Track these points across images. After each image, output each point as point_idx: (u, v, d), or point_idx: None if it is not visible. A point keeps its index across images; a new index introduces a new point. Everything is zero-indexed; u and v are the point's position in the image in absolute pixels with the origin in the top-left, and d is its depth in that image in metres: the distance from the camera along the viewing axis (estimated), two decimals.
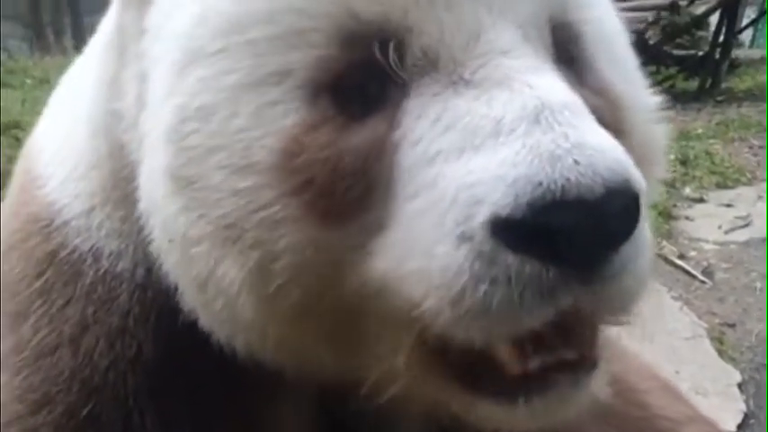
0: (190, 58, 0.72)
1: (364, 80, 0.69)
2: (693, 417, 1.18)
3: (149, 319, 0.90)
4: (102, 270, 0.93)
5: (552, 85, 0.67)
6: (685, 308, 3.65)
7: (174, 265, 0.78)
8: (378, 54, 0.68)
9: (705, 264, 4.33)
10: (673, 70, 11.62)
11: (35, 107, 6.57)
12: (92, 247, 0.94)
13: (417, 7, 0.68)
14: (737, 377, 2.97)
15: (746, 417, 2.69)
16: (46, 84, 9.04)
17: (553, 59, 0.74)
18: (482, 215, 0.62)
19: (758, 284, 3.95)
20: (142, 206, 0.81)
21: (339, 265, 0.70)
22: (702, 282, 4.06)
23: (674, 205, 5.36)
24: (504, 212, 0.61)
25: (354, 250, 0.69)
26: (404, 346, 0.69)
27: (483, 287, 0.63)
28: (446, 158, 0.65)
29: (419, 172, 0.66)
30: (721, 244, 4.64)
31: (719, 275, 4.17)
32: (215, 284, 0.73)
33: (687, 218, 5.16)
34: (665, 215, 5.05)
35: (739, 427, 2.63)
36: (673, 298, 3.77)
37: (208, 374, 0.90)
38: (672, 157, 6.75)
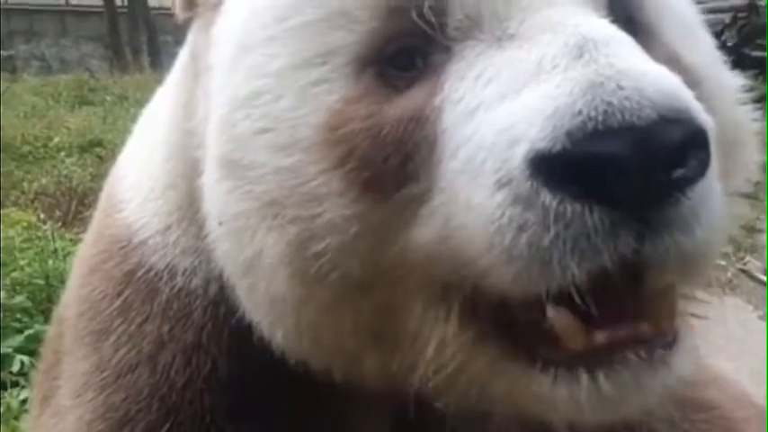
0: (241, 52, 0.74)
1: (408, 51, 0.68)
2: None
3: (222, 335, 0.92)
4: (178, 287, 0.96)
5: (598, 22, 0.63)
6: None
7: (224, 253, 0.79)
8: (420, 22, 0.66)
9: None
10: (751, 73, 11.18)
11: (115, 123, 6.88)
12: (167, 265, 0.97)
13: None
14: None
15: None
16: (125, 100, 9.47)
17: (607, 12, 0.70)
18: (520, 154, 0.58)
19: None
20: (204, 209, 0.83)
21: (381, 240, 0.68)
22: None
23: (758, 218, 5.12)
24: (540, 146, 0.56)
25: (398, 223, 0.67)
26: (450, 317, 0.66)
27: (512, 229, 0.58)
28: (487, 108, 0.62)
29: (460, 128, 0.64)
30: None
31: None
32: (258, 264, 0.73)
33: None
34: (749, 228, 4.82)
35: None
36: (759, 317, 3.61)
37: (281, 392, 0.91)
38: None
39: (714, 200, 0.61)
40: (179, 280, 0.96)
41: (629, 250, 0.57)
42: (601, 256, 0.57)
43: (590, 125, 0.55)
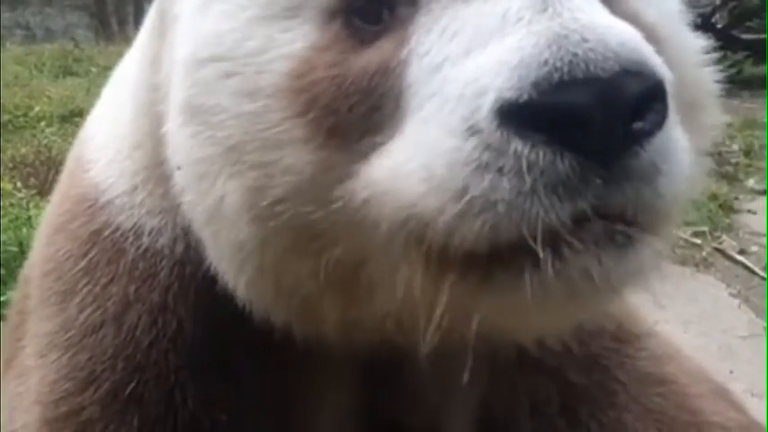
0: (200, 11, 0.74)
1: (375, 2, 0.68)
2: (747, 424, 1.15)
3: (188, 295, 0.93)
4: (144, 247, 0.96)
5: None
6: (744, 305, 3.54)
7: (188, 204, 0.80)
8: None
9: (766, 259, 4.17)
10: (741, 55, 11.16)
11: (99, 94, 6.75)
12: (134, 225, 0.97)
13: None
14: None
15: None
16: (110, 71, 9.29)
17: None
18: (488, 103, 0.59)
19: None
20: (167, 153, 0.83)
21: (339, 185, 0.68)
22: (763, 278, 3.91)
23: (737, 198, 5.18)
24: (508, 95, 0.58)
25: (357, 168, 0.67)
26: (410, 268, 0.66)
27: (488, 177, 0.59)
28: (453, 62, 0.63)
29: (426, 82, 0.64)
30: None
31: None
32: (220, 211, 0.73)
33: (750, 211, 4.98)
34: (727, 208, 4.89)
35: None
36: (731, 295, 3.66)
37: (246, 352, 0.92)
38: (735, 147, 6.52)
39: (676, 152, 0.62)
40: (145, 240, 0.97)
41: (598, 196, 0.59)
42: (579, 198, 0.58)
43: (556, 75, 0.57)
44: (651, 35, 0.71)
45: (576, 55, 0.56)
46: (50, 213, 1.13)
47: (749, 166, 5.97)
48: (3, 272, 2.61)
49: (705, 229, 4.49)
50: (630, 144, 0.58)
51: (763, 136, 6.89)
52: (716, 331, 3.21)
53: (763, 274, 3.94)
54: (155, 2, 1.00)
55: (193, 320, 0.92)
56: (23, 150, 4.50)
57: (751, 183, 5.55)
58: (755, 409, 2.66)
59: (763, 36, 10.71)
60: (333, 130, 0.67)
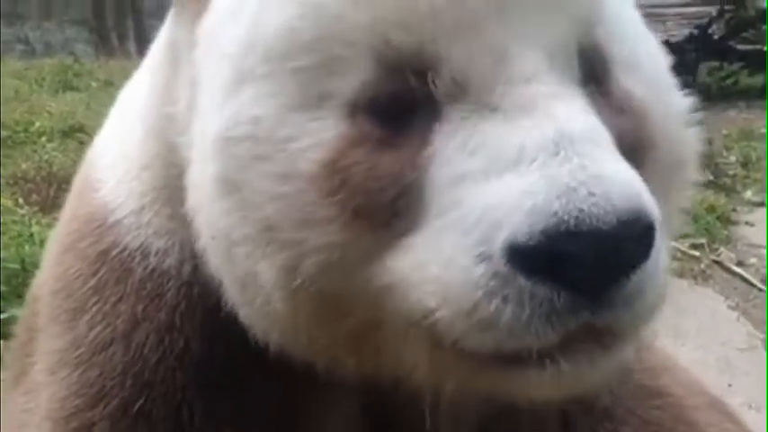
0: (240, 78, 0.77)
1: (399, 103, 0.73)
2: None
3: (196, 315, 0.95)
4: (151, 267, 0.98)
5: (573, 114, 0.70)
6: (742, 317, 3.55)
7: (217, 264, 0.84)
8: (412, 81, 0.72)
9: (765, 271, 4.19)
10: (737, 66, 11.23)
11: (99, 109, 6.82)
12: (141, 245, 0.99)
13: (447, 36, 0.71)
14: None
15: None
16: (110, 86, 9.36)
17: (579, 82, 0.76)
18: (501, 239, 0.66)
19: None
20: (189, 205, 0.86)
21: (364, 265, 0.74)
22: (761, 290, 3.92)
23: (734, 209, 5.20)
24: (520, 239, 0.64)
25: (381, 252, 0.74)
26: (421, 346, 0.74)
27: (495, 302, 0.67)
28: (472, 180, 0.69)
29: (447, 191, 0.71)
30: None
31: None
32: (254, 283, 0.78)
33: (747, 223, 4.99)
34: (725, 220, 4.91)
35: None
36: (729, 307, 3.67)
37: (253, 371, 0.93)
38: (733, 158, 6.55)
39: (657, 275, 0.70)
40: (152, 260, 0.98)
41: (581, 323, 0.68)
42: (568, 325, 0.67)
43: (563, 227, 0.63)
44: (641, 121, 0.80)
45: (582, 210, 0.63)
46: (59, 232, 1.14)
47: (747, 177, 6.00)
48: (4, 289, 2.63)
49: (703, 241, 4.50)
50: (619, 277, 0.67)
51: (760, 147, 6.94)
52: (714, 344, 3.22)
53: (761, 286, 3.96)
54: (164, 29, 1.02)
55: (200, 339, 0.94)
56: (24, 166, 4.52)
57: (749, 194, 5.57)
58: (754, 422, 2.67)
59: (758, 47, 10.80)
60: (360, 215, 0.73)
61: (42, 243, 2.94)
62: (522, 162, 0.66)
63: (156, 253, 0.98)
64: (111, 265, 1.00)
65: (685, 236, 4.62)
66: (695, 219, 4.81)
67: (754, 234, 4.75)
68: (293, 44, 0.75)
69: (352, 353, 0.81)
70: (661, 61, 0.91)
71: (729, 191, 5.60)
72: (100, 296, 0.99)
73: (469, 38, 0.71)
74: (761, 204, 5.37)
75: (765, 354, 3.18)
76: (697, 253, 4.33)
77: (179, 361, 0.95)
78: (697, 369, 2.97)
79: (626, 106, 0.80)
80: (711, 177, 5.78)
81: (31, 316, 1.19)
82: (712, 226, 4.71)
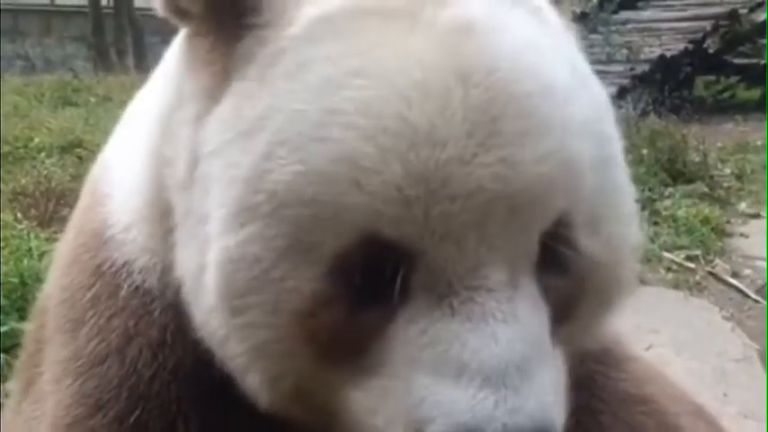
0: (245, 212, 0.83)
1: (375, 276, 0.81)
2: None
3: (186, 334, 0.96)
4: (135, 284, 1.01)
5: (515, 342, 0.79)
6: (737, 328, 3.57)
7: (204, 333, 0.91)
8: (390, 262, 0.80)
9: (760, 282, 4.21)
10: (734, 80, 11.32)
11: (98, 125, 6.87)
12: (126, 262, 1.02)
13: (431, 239, 0.78)
14: None
15: None
16: (108, 101, 9.43)
17: (535, 269, 0.84)
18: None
19: None
20: (178, 269, 0.93)
21: (331, 390, 0.87)
22: (756, 301, 3.95)
23: (728, 221, 5.24)
24: None
25: (344, 385, 0.85)
26: None
27: None
28: (422, 368, 0.80)
29: (401, 365, 0.81)
30: None
31: None
32: (243, 378, 0.89)
33: (742, 234, 5.03)
34: (719, 232, 4.93)
35: None
36: (724, 318, 3.70)
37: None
38: (728, 171, 6.60)
39: None
40: (136, 277, 1.01)
41: None
42: None
43: None
44: (587, 272, 0.88)
45: None
46: (65, 245, 1.17)
47: (741, 189, 6.05)
48: (4, 303, 2.65)
49: (698, 252, 4.53)
50: None
51: (756, 159, 7.00)
52: (710, 354, 3.24)
53: (756, 297, 3.99)
54: (170, 52, 1.04)
55: (192, 356, 0.96)
56: (23, 181, 4.54)
57: (743, 206, 5.61)
58: (750, 431, 2.69)
59: (755, 60, 10.90)
60: (329, 357, 0.84)
61: (41, 257, 2.97)
62: (461, 377, 0.78)
63: (139, 271, 1.01)
64: (104, 280, 1.03)
65: (680, 247, 4.66)
66: (690, 231, 4.85)
67: (749, 246, 4.79)
68: (295, 196, 0.80)
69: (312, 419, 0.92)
70: (625, 207, 0.95)
71: (724, 203, 5.64)
72: (96, 309, 1.02)
73: (451, 245, 0.78)
74: (755, 216, 5.41)
75: (761, 364, 3.20)
76: (692, 265, 4.37)
77: (173, 375, 0.97)
78: (693, 379, 3.01)
79: (572, 270, 0.87)
80: (706, 190, 5.83)
81: (38, 328, 1.21)
82: (707, 238, 4.74)
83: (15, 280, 2.72)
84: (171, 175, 0.93)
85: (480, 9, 0.83)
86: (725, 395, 2.90)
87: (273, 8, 0.86)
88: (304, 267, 0.81)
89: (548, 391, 0.81)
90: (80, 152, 5.57)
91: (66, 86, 9.59)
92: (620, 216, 0.92)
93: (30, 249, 2.90)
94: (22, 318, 2.67)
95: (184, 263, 0.91)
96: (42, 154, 5.49)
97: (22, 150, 5.51)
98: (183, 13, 0.90)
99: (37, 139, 5.83)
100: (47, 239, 3.16)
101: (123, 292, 1.01)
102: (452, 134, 0.77)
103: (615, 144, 0.93)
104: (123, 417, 0.97)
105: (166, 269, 0.97)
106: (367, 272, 0.80)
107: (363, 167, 0.77)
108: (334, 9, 0.84)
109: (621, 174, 0.93)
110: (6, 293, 2.69)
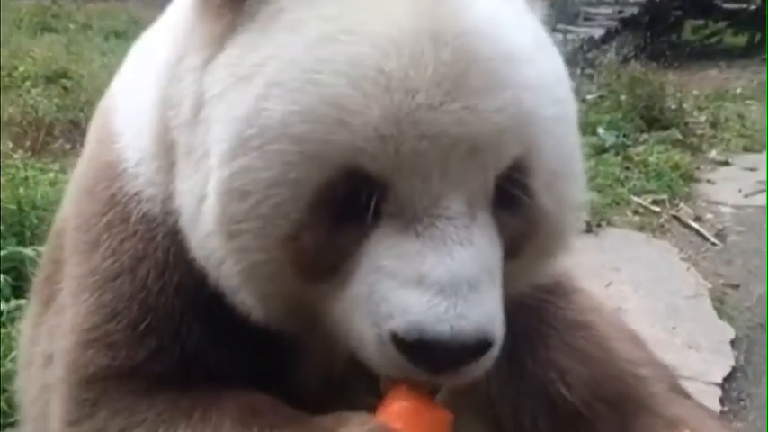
0: (240, 145, 0.95)
1: (351, 204, 0.94)
2: (651, 360, 1.36)
3: (186, 258, 1.09)
4: (143, 212, 1.15)
5: (466, 261, 0.93)
6: (693, 269, 3.79)
7: (203, 263, 1.05)
8: (365, 193, 0.93)
9: (720, 227, 4.44)
10: (722, 24, 11.26)
11: (80, 54, 6.80)
12: (136, 193, 1.16)
13: (401, 172, 0.91)
14: (731, 334, 3.14)
15: (734, 370, 2.89)
16: (89, 29, 9.29)
17: (490, 203, 0.98)
18: (388, 326, 0.93)
19: None
20: (178, 200, 1.06)
21: (313, 301, 1.01)
22: (714, 244, 4.18)
23: (698, 168, 5.42)
24: (399, 334, 0.92)
25: (322, 297, 1.00)
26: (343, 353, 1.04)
27: (387, 358, 0.95)
28: (387, 275, 0.94)
29: (369, 272, 0.95)
30: (739, 208, 4.73)
31: (732, 238, 4.28)
32: (234, 289, 1.03)
33: (709, 181, 5.23)
34: (687, 177, 5.11)
35: (725, 379, 2.83)
36: (682, 259, 3.92)
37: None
38: (703, 119, 6.73)
39: (486, 361, 0.97)
40: (144, 206, 1.14)
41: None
42: (429, 376, 0.95)
43: (426, 339, 0.90)
44: (537, 216, 1.02)
45: (441, 334, 0.90)
46: (80, 176, 1.30)
47: (713, 137, 6.19)
48: (2, 228, 2.78)
49: (665, 197, 4.73)
50: (453, 369, 0.95)
51: (732, 107, 7.10)
52: (665, 292, 3.48)
53: (714, 240, 4.21)
54: (178, 1, 1.16)
55: (192, 276, 1.09)
56: (11, 110, 4.57)
57: (713, 154, 5.77)
58: (693, 359, 2.94)
59: (744, 6, 10.83)
60: (309, 274, 0.98)
61: (36, 185, 3.09)
62: (420, 285, 0.91)
63: (147, 200, 1.14)
64: (117, 208, 1.17)
65: (648, 192, 4.84)
66: (659, 176, 5.02)
67: (714, 191, 5.00)
68: (285, 133, 0.92)
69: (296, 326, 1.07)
70: (576, 166, 1.09)
71: (695, 150, 5.80)
72: (109, 233, 1.16)
73: (418, 178, 0.92)
74: (724, 164, 5.60)
75: (710, 301, 3.44)
76: (658, 208, 4.56)
77: (176, 291, 1.12)
78: (646, 314, 3.24)
79: (525, 212, 1.02)
80: (680, 137, 5.97)
81: (55, 249, 1.36)
82: (675, 183, 4.92)
83: (13, 206, 2.84)
84: (176, 116, 1.05)
85: None
86: (674, 328, 3.15)
87: None
88: (290, 198, 0.93)
89: (492, 307, 0.95)
90: (65, 82, 5.57)
91: (46, 12, 9.39)
92: (572, 174, 1.06)
93: (26, 178, 3.01)
94: (20, 242, 2.82)
95: (184, 194, 1.04)
96: (27, 83, 5.48)
97: (6, 79, 5.50)
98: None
99: (21, 68, 5.81)
100: (41, 169, 3.27)
101: (133, 219, 1.15)
102: (423, 84, 0.89)
103: (571, 107, 1.06)
104: (135, 324, 1.12)
105: (169, 199, 1.10)
106: (345, 200, 0.93)
107: (348, 109, 0.89)
108: None
109: (575, 136, 1.07)
110: (4, 219, 2.82)
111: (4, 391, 2.16)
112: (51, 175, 3.27)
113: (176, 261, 1.12)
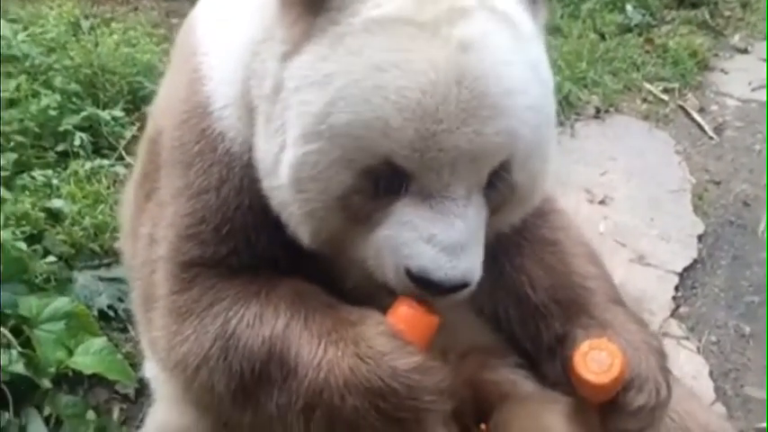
0: (314, 132, 1.31)
1: (386, 181, 1.32)
2: (600, 275, 1.77)
3: (255, 187, 1.49)
4: (226, 147, 1.53)
5: (464, 230, 1.32)
6: (684, 163, 4.07)
7: (271, 196, 1.44)
8: (396, 178, 1.31)
9: (721, 120, 4.66)
10: None
11: None
12: (221, 131, 1.54)
13: (424, 169, 1.29)
14: (701, 229, 3.55)
15: (695, 262, 3.33)
16: None
17: (483, 186, 1.36)
18: (405, 263, 1.33)
19: (758, 147, 4.32)
20: (256, 152, 1.44)
21: (354, 239, 1.40)
22: (710, 138, 4.42)
23: (716, 54, 5.47)
24: (413, 271, 1.33)
25: (361, 235, 1.38)
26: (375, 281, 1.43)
27: (400, 281, 1.36)
28: (410, 227, 1.32)
29: (396, 224, 1.34)
30: (744, 101, 4.85)
31: (728, 133, 4.49)
32: (298, 225, 1.42)
33: (722, 70, 5.26)
34: (702, 65, 5.18)
35: (685, 269, 3.28)
36: (677, 152, 4.18)
37: None
38: None
39: (472, 286, 1.39)
40: (227, 143, 1.53)
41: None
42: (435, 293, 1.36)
43: (431, 278, 1.31)
44: (513, 190, 1.44)
45: (440, 278, 1.31)
46: (176, 107, 1.64)
47: (741, 20, 6.15)
48: (80, 89, 3.16)
49: (676, 85, 4.91)
50: (447, 294, 1.36)
51: None
52: (652, 184, 3.81)
53: (711, 134, 4.47)
54: None
55: (260, 200, 1.49)
56: None
57: (735, 39, 5.77)
58: (662, 249, 3.40)
59: None
60: (352, 219, 1.36)
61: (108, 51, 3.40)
62: (430, 242, 1.30)
63: (229, 139, 1.53)
64: (207, 139, 1.55)
65: (661, 79, 5.00)
66: (675, 63, 5.15)
67: (724, 82, 5.07)
68: (348, 132, 1.29)
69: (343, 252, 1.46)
70: (550, 152, 1.49)
71: (718, 34, 5.84)
72: (201, 157, 1.55)
73: (434, 173, 1.31)
74: (743, 51, 5.65)
75: (690, 197, 3.82)
76: (666, 97, 4.77)
77: (248, 210, 1.53)
78: (632, 204, 3.65)
79: (505, 188, 1.42)
80: (707, 16, 5.98)
81: (152, 153, 1.75)
82: (689, 72, 5.06)
83: (88, 71, 3.22)
84: (257, 86, 1.43)
85: (477, 30, 1.30)
86: (652, 219, 3.56)
87: (345, 0, 1.32)
88: (345, 171, 1.29)
89: (474, 260, 1.35)
90: None
91: None
92: (543, 158, 1.46)
93: (96, 44, 3.34)
94: (95, 104, 3.23)
95: (262, 151, 1.44)
96: None
97: None
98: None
99: None
100: (111, 34, 3.56)
101: (219, 151, 1.54)
102: (446, 116, 1.27)
103: (550, 110, 1.45)
104: (218, 229, 1.54)
105: (245, 142, 1.50)
106: (383, 177, 1.32)
107: (392, 126, 1.24)
108: (384, 14, 1.29)
109: (551, 131, 1.47)
110: (79, 81, 3.21)
111: (96, 237, 2.70)
112: (116, 36, 3.57)
113: (249, 187, 1.52)
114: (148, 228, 1.72)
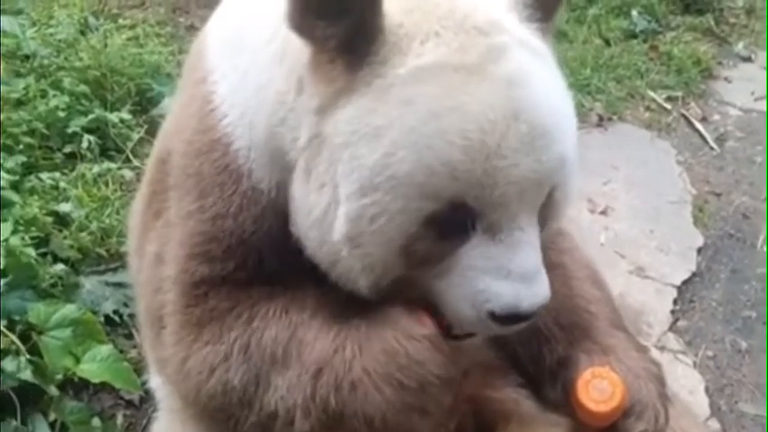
0: (368, 189, 1.30)
1: (452, 224, 1.30)
2: (602, 299, 1.81)
3: (278, 217, 1.49)
4: (252, 185, 1.50)
5: (533, 258, 1.34)
6: (685, 174, 4.11)
7: (315, 248, 1.43)
8: (463, 218, 1.32)
9: (722, 130, 4.70)
10: None
11: None
12: (248, 171, 1.51)
13: (492, 205, 1.30)
14: (700, 242, 3.59)
15: (693, 275, 3.37)
16: None
17: (537, 219, 1.38)
18: (486, 308, 1.33)
19: (759, 158, 4.36)
20: (294, 202, 1.43)
21: (419, 282, 1.39)
22: (712, 148, 4.47)
23: (720, 62, 5.53)
24: (498, 312, 1.33)
25: (426, 280, 1.38)
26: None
27: (481, 324, 1.38)
28: (481, 271, 1.32)
29: (468, 270, 1.33)
30: (746, 111, 4.92)
31: (730, 144, 4.55)
32: (347, 270, 1.41)
33: (726, 79, 5.33)
34: (706, 73, 5.25)
35: (684, 282, 3.31)
36: (678, 162, 4.22)
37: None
38: (740, 2, 6.65)
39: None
40: (253, 181, 1.50)
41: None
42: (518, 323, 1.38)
43: (514, 312, 1.32)
44: (556, 209, 1.46)
45: (525, 310, 1.32)
46: (189, 144, 1.60)
47: (745, 26, 6.20)
48: (88, 91, 3.18)
49: (679, 94, 4.96)
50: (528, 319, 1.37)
51: None
52: (653, 195, 3.85)
53: (713, 144, 4.52)
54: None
55: (282, 228, 1.49)
56: None
57: (740, 47, 5.83)
58: (661, 261, 3.44)
59: None
60: (417, 264, 1.35)
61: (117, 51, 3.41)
62: (508, 277, 1.31)
63: (255, 178, 1.50)
64: (229, 174, 1.52)
65: (665, 87, 5.05)
66: (679, 71, 5.20)
67: (728, 91, 5.14)
68: (411, 181, 1.29)
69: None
70: (576, 169, 1.49)
71: (723, 41, 5.88)
72: (221, 189, 1.53)
73: (503, 208, 1.32)
74: (747, 59, 5.71)
75: (691, 209, 3.87)
76: (669, 106, 4.81)
77: (265, 235, 1.53)
78: (632, 215, 3.68)
79: (548, 208, 1.44)
80: (712, 23, 6.02)
81: (160, 173, 1.72)
82: (692, 80, 5.11)
83: (97, 73, 3.24)
84: (290, 138, 1.41)
85: (516, 64, 1.33)
86: (651, 231, 3.61)
87: (386, 53, 1.32)
88: (408, 219, 1.28)
89: (546, 282, 1.35)
90: None
91: None
92: (573, 181, 1.50)
93: (105, 45, 3.36)
94: (103, 106, 3.25)
95: (309, 206, 1.41)
96: None
97: None
98: (312, 38, 1.32)
99: None
100: (117, 29, 3.57)
101: (243, 185, 1.52)
102: (509, 151, 1.29)
103: (574, 129, 1.49)
104: (233, 249, 1.54)
105: (272, 182, 1.50)
106: (448, 220, 1.34)
107: (459, 169, 1.25)
108: (430, 62, 1.30)
109: (576, 148, 1.49)
110: (87, 82, 3.22)
111: (103, 241, 2.72)
112: (124, 36, 3.59)
113: (272, 216, 1.51)
114: (155, 246, 1.73)
